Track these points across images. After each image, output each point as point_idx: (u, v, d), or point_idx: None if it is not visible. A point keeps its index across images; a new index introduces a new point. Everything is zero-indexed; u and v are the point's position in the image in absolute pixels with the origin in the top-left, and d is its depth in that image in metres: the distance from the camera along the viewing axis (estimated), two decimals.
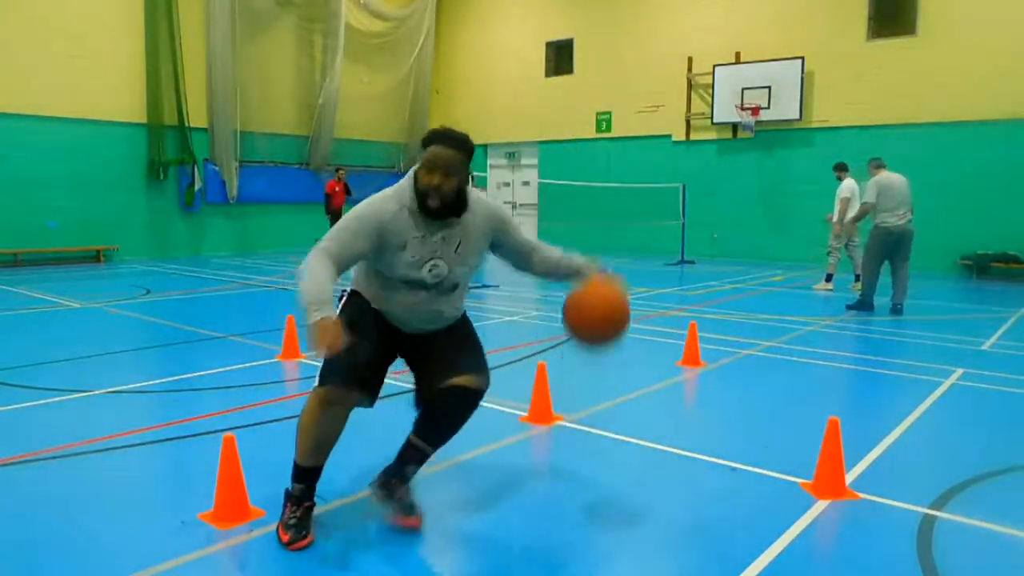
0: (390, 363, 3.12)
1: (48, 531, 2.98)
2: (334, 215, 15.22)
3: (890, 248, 8.68)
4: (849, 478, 3.56)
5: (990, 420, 4.74)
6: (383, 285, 2.96)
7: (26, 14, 13.27)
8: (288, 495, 2.98)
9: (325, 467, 3.07)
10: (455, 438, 3.27)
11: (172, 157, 15.39)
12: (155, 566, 2.68)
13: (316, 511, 3.07)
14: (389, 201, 2.86)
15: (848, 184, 10.55)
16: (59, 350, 6.36)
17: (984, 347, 6.91)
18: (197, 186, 15.82)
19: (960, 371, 5.86)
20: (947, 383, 5.50)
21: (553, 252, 3.18)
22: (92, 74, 14.14)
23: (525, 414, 4.52)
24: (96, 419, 4.47)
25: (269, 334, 6.93)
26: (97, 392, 4.99)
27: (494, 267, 14.31)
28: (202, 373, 5.60)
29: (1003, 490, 3.57)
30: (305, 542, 2.86)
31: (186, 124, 15.41)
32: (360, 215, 2.84)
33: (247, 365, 5.80)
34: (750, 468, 3.72)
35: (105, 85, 14.35)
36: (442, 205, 2.79)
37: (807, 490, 3.44)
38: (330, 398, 2.84)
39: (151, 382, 5.31)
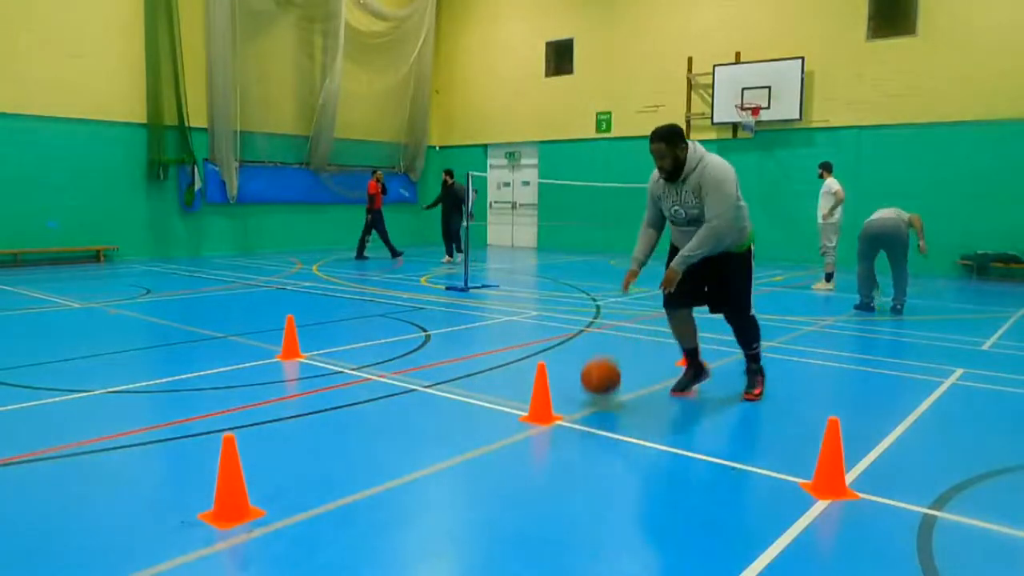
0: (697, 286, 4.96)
1: (48, 531, 2.98)
2: (376, 215, 15.34)
3: (871, 246, 8.83)
4: (849, 478, 3.56)
5: (990, 420, 4.74)
6: (671, 228, 4.98)
7: (26, 14, 13.27)
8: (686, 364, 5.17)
9: (321, 468, 3.45)
10: (455, 438, 3.70)
11: (172, 157, 15.39)
12: (155, 566, 2.68)
13: (312, 514, 3.12)
14: (654, 176, 4.87)
15: (830, 182, 10.73)
16: (59, 350, 6.36)
17: (984, 347, 6.91)
18: (197, 186, 15.82)
19: (960, 371, 5.86)
20: (947, 383, 5.50)
21: (698, 232, 4.71)
22: (92, 74, 14.15)
23: (525, 414, 4.52)
24: (96, 419, 4.47)
25: (269, 334, 6.93)
26: (97, 392, 4.99)
27: (495, 268, 14.31)
28: (202, 373, 5.60)
29: (1003, 490, 3.57)
30: (685, 393, 5.15)
31: (186, 124, 15.41)
32: (648, 190, 5.00)
33: (247, 365, 5.80)
34: (750, 468, 3.72)
35: (105, 85, 14.36)
36: (668, 175, 4.71)
37: (807, 490, 3.44)
38: (669, 314, 5.07)
39: (151, 382, 5.31)
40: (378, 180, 15.49)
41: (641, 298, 9.87)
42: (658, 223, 4.99)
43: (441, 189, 15.42)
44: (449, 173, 15.32)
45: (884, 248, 8.78)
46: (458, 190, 14.59)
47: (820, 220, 10.83)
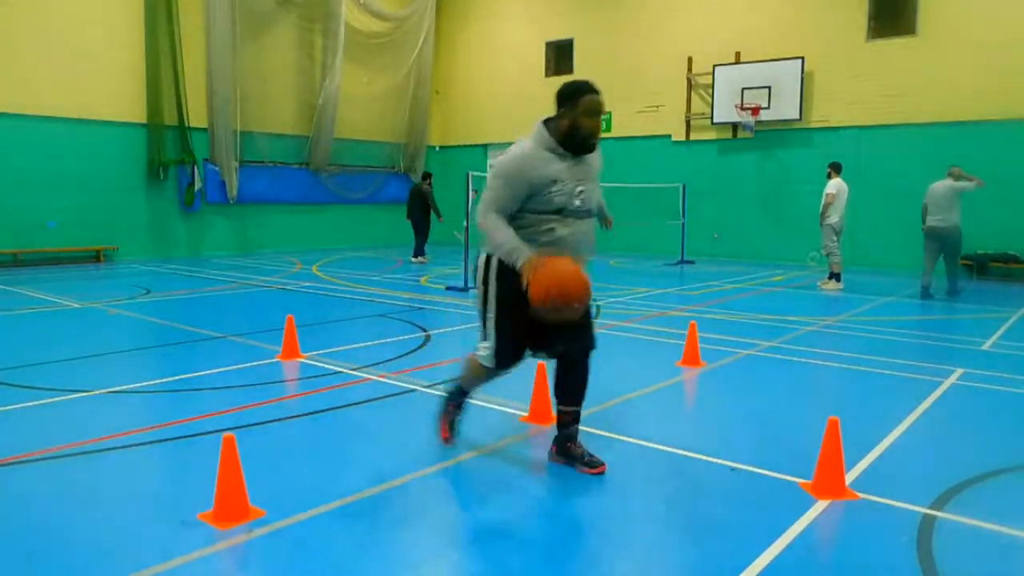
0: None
1: (47, 531, 2.98)
2: None
3: (933, 244, 10.18)
4: (849, 478, 3.56)
5: (990, 420, 4.74)
6: (538, 229, 3.45)
7: (27, 14, 13.27)
8: (452, 408, 3.99)
9: (321, 468, 3.55)
10: (459, 437, 3.75)
11: (172, 157, 15.39)
12: (155, 566, 2.68)
13: (312, 514, 3.14)
14: (529, 147, 3.45)
15: (834, 182, 10.86)
16: (59, 350, 6.36)
17: (984, 347, 6.91)
18: (197, 186, 15.82)
19: (960, 371, 5.86)
20: (947, 383, 5.50)
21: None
22: (92, 74, 14.14)
23: (525, 414, 4.52)
24: (96, 419, 4.47)
25: (269, 334, 6.93)
26: (97, 392, 4.99)
27: None
28: (202, 373, 5.60)
29: (1003, 490, 3.58)
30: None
31: (186, 124, 15.41)
32: (504, 172, 3.43)
33: (247, 365, 5.80)
34: (750, 468, 3.72)
35: (105, 85, 14.36)
36: (594, 143, 3.51)
37: (807, 490, 3.44)
38: (491, 376, 3.76)
39: (151, 382, 5.31)
40: None
41: (641, 298, 9.87)
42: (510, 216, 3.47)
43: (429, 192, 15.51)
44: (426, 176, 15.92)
45: (943, 246, 10.16)
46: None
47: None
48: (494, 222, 3.40)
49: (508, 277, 3.40)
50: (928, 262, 10.23)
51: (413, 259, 15.06)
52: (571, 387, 3.71)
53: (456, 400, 3.99)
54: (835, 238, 10.85)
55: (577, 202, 3.46)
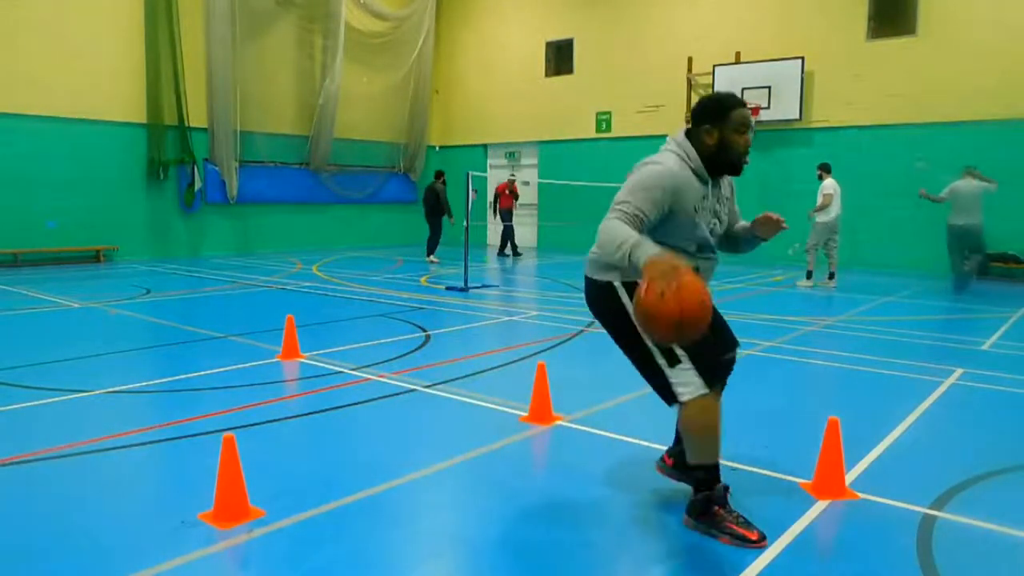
0: None
1: (48, 531, 2.98)
2: (505, 214, 16.63)
3: (955, 241, 10.59)
4: (849, 478, 3.56)
5: (990, 420, 4.74)
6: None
7: (26, 14, 13.27)
8: (716, 500, 2.97)
9: (321, 468, 3.40)
10: (455, 438, 3.38)
11: (172, 157, 15.39)
12: (155, 566, 2.68)
13: (312, 514, 3.12)
14: (677, 165, 2.88)
15: (829, 182, 11.14)
16: (59, 350, 6.35)
17: (984, 347, 6.91)
18: (197, 186, 15.82)
19: (960, 371, 5.86)
20: (947, 383, 5.50)
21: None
22: (92, 74, 14.14)
23: (525, 414, 4.52)
24: (96, 419, 4.47)
25: (269, 334, 6.93)
26: (97, 392, 4.99)
27: (495, 268, 14.30)
28: (202, 373, 5.60)
29: (1003, 490, 3.57)
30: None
31: (186, 124, 15.41)
32: (651, 182, 2.79)
33: (247, 365, 5.80)
34: (750, 468, 3.72)
35: (105, 85, 14.36)
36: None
37: (807, 490, 3.44)
38: (716, 407, 2.99)
39: (151, 382, 5.31)
40: (512, 182, 17.18)
41: None
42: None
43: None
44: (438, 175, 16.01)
45: (964, 242, 10.56)
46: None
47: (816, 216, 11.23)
48: (617, 224, 2.70)
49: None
50: (952, 260, 10.71)
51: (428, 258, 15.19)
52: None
53: (714, 495, 2.98)
54: (817, 238, 11.07)
55: (712, 238, 3.07)
